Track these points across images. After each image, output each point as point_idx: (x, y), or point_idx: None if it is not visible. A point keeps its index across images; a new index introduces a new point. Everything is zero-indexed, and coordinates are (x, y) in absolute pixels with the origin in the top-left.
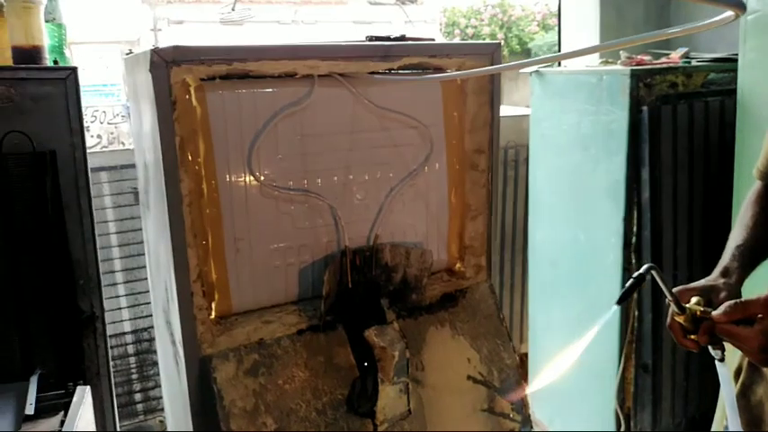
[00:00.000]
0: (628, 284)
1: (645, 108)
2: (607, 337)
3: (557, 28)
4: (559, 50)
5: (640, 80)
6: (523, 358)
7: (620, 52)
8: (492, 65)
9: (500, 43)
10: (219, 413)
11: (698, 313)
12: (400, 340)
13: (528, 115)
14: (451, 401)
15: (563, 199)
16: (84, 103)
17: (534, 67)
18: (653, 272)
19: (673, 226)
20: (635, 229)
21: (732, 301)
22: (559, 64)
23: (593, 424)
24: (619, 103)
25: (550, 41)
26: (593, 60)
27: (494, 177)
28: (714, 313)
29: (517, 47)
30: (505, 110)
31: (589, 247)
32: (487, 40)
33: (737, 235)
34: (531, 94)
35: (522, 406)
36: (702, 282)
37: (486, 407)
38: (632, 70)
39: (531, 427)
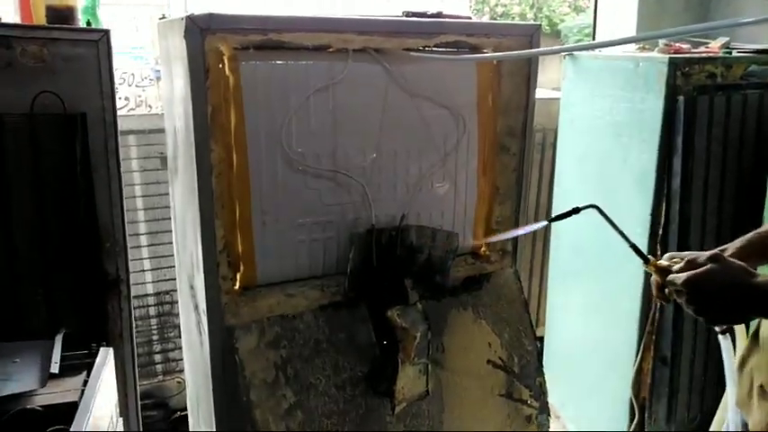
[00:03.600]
0: (565, 212)
1: (681, 98)
2: (626, 326)
3: (590, 11)
4: (594, 34)
5: (678, 69)
6: (540, 341)
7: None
8: (531, 47)
9: (540, 25)
10: (240, 383)
11: (662, 265)
12: (423, 321)
13: (557, 99)
14: (470, 385)
15: (590, 185)
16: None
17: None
18: (597, 210)
19: (701, 219)
20: (662, 220)
21: (688, 254)
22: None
23: (607, 411)
24: (654, 91)
25: (581, 23)
26: (630, 46)
27: (525, 162)
28: (675, 267)
29: (547, 28)
30: None
31: (613, 235)
32: (520, 20)
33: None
34: (562, 78)
35: (540, 392)
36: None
37: (505, 392)
38: (670, 58)
39: (549, 415)
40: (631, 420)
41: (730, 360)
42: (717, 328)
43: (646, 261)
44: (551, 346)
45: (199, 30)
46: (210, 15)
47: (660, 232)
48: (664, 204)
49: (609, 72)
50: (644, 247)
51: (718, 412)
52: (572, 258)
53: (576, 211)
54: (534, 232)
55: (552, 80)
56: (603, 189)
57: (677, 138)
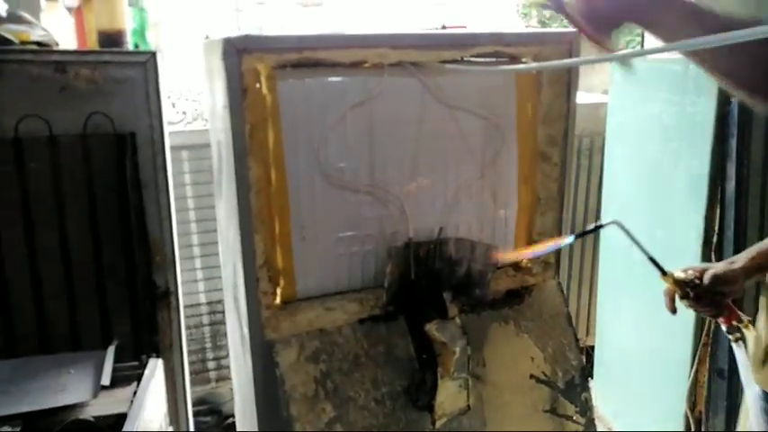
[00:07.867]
0: (589, 228)
1: (734, 100)
2: (680, 337)
3: None
4: (643, 39)
5: None
6: (589, 351)
7: None
8: (570, 54)
9: (578, 32)
10: (281, 397)
11: (679, 277)
12: (461, 336)
13: (605, 103)
14: (513, 400)
15: (640, 192)
16: (172, 82)
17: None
18: (618, 225)
19: (759, 226)
20: (716, 227)
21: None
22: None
23: (661, 424)
24: (705, 94)
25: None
26: None
27: (566, 171)
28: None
29: None
30: (582, 96)
31: (666, 243)
32: (567, 27)
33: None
34: (610, 82)
35: (586, 408)
36: (705, 264)
37: (549, 407)
38: None
39: (596, 430)
40: None
41: (746, 367)
42: (730, 337)
43: (663, 273)
44: (602, 357)
45: (236, 51)
46: (246, 37)
47: (714, 240)
48: (718, 211)
49: (657, 75)
50: (697, 255)
51: (741, 418)
52: (623, 267)
53: (599, 227)
54: (583, 240)
55: (603, 83)
56: (654, 195)
57: (731, 141)
